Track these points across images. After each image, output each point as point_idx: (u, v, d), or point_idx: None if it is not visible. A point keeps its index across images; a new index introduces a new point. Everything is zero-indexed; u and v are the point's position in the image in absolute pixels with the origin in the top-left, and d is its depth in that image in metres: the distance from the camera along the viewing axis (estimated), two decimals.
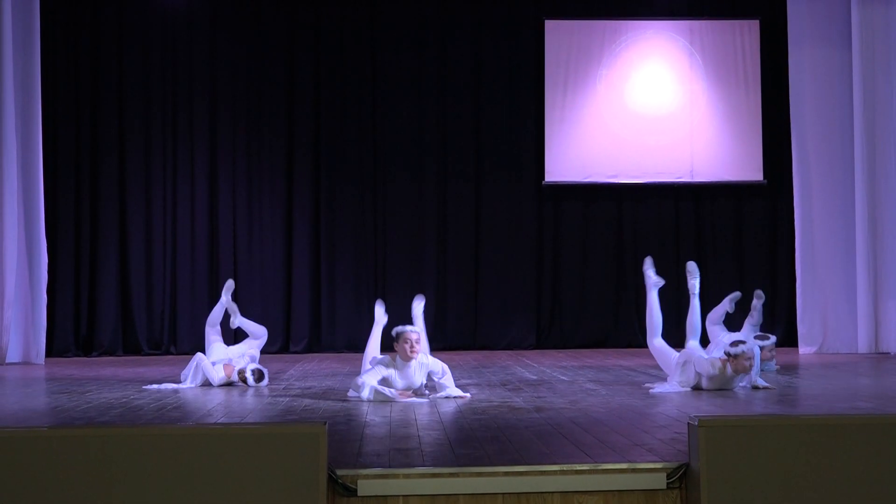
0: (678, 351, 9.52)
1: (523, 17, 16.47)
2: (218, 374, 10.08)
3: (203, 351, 10.44)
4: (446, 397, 8.83)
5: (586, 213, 16.61)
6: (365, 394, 8.63)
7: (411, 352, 8.80)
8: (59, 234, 15.75)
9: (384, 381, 8.78)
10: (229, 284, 10.93)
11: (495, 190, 16.47)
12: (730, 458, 5.16)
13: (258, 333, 10.86)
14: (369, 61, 16.37)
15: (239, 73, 16.21)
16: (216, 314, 10.71)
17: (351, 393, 8.95)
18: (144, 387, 10.15)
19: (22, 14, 14.35)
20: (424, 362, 8.95)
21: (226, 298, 10.71)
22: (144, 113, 16.06)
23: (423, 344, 9.10)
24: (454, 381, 9.16)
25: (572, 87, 16.29)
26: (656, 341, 9.75)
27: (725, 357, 9.07)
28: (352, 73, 16.33)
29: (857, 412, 7.49)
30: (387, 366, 8.83)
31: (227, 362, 10.24)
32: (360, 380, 8.79)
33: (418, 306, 9.99)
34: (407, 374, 8.87)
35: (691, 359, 9.20)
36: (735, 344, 9.12)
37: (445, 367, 9.09)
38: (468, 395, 9.05)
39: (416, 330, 8.98)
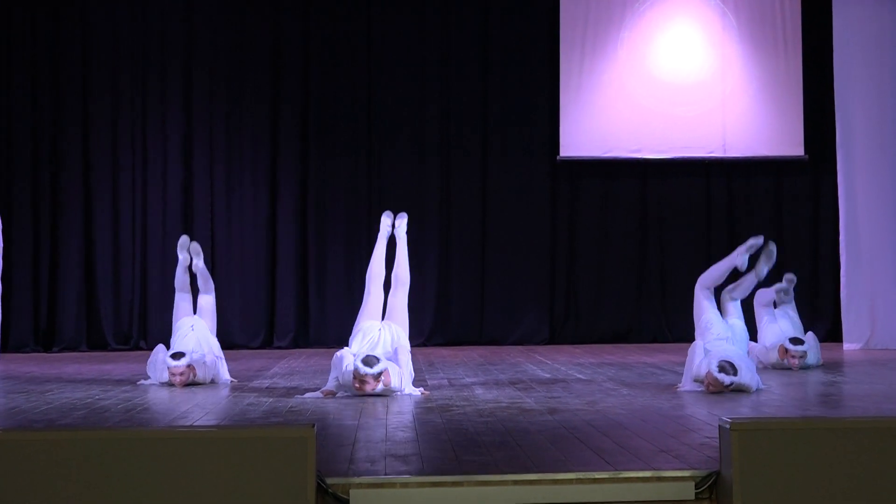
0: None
1: None
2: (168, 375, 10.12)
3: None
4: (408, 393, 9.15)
5: (606, 193, 16.60)
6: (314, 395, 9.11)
7: (358, 389, 8.87)
8: (14, 217, 15.71)
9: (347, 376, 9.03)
10: (183, 241, 10.99)
11: (504, 166, 16.46)
12: (765, 464, 5.15)
13: (207, 288, 10.82)
14: (364, 20, 16.34)
15: (218, 32, 16.18)
16: (181, 278, 10.81)
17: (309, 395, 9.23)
18: (139, 382, 10.29)
19: None
20: (393, 328, 9.40)
21: (183, 257, 10.80)
22: (111, 79, 16.04)
23: (404, 366, 9.28)
24: (413, 377, 9.49)
25: (590, 52, 16.25)
26: (704, 292, 9.83)
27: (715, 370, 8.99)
28: (345, 34, 16.31)
29: None
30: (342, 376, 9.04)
31: (186, 363, 10.12)
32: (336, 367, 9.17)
33: (400, 225, 10.68)
34: (374, 337, 9.37)
35: (690, 356, 9.38)
36: (722, 368, 8.91)
37: (409, 357, 9.36)
38: (426, 391, 9.30)
39: (371, 373, 8.81)
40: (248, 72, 16.23)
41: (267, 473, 5.04)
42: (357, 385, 8.84)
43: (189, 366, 10.01)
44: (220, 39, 16.19)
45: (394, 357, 9.29)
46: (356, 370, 8.85)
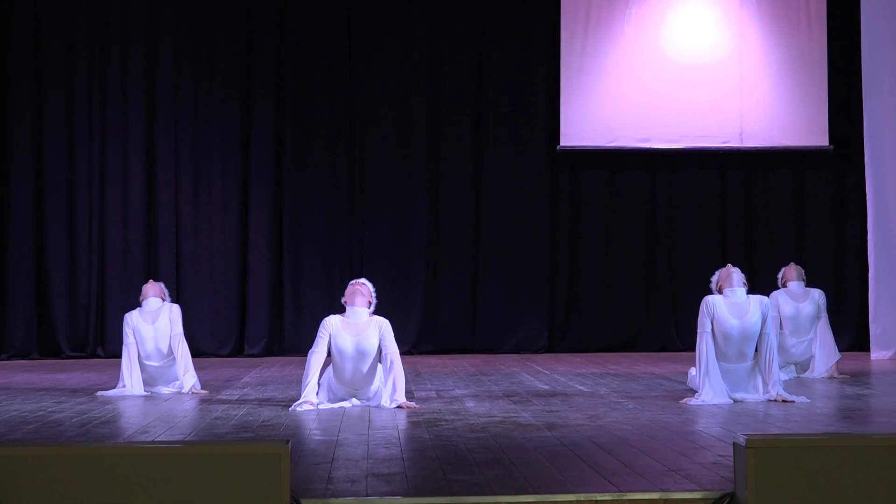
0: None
1: None
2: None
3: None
4: (396, 406, 9.17)
5: (611, 186, 16.62)
6: (303, 407, 9.10)
7: (352, 295, 9.49)
8: None
9: (333, 341, 9.38)
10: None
11: (499, 156, 16.47)
12: (784, 485, 5.17)
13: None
14: None
15: (184, 10, 16.15)
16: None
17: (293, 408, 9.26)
18: (98, 393, 10.30)
19: None
20: (380, 322, 9.45)
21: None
22: (67, 61, 16.03)
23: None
24: (406, 383, 9.52)
25: (594, 30, 16.27)
26: None
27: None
28: (324, 8, 16.27)
29: None
30: (331, 326, 9.40)
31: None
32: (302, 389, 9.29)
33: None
34: (357, 326, 9.36)
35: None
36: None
37: (398, 358, 9.38)
38: (414, 404, 9.31)
39: (366, 282, 9.69)
40: (217, 53, 16.21)
41: (236, 494, 5.04)
42: (349, 291, 9.55)
43: (164, 294, 10.91)
44: (186, 18, 16.16)
45: (385, 366, 9.36)
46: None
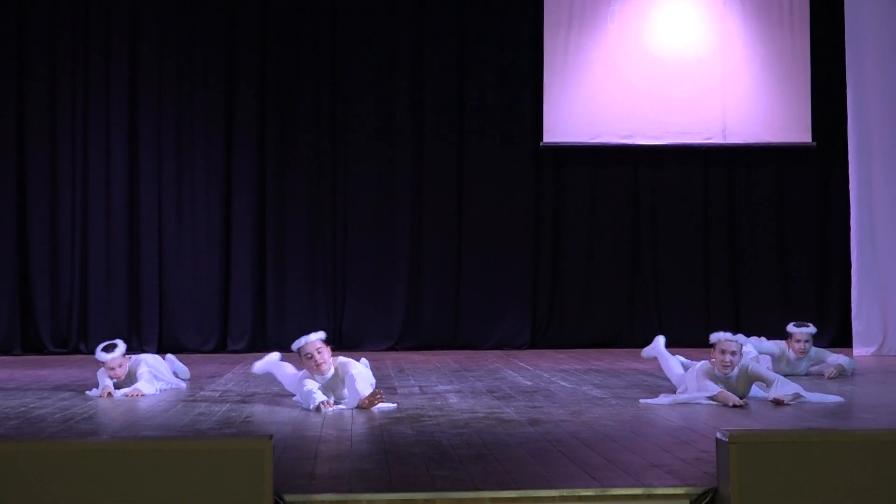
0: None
1: None
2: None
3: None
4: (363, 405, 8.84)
5: (594, 182, 16.62)
6: (314, 403, 8.77)
7: (317, 367, 8.92)
8: None
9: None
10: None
11: (482, 153, 16.46)
12: (766, 481, 5.18)
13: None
14: None
15: (166, 5, 16.11)
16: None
17: (297, 399, 9.20)
18: (88, 392, 10.16)
19: None
20: (349, 371, 9.01)
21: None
22: (49, 52, 15.97)
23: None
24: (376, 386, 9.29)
25: (577, 27, 16.27)
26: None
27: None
28: (308, 5, 16.25)
29: None
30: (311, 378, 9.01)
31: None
32: (305, 388, 8.93)
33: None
34: (330, 386, 9.01)
35: (693, 368, 9.46)
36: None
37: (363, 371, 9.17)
38: (392, 404, 9.07)
39: (317, 337, 9.02)
40: (200, 51, 16.16)
41: (219, 489, 5.04)
42: (313, 364, 8.86)
43: (125, 355, 10.10)
44: (169, 17, 16.09)
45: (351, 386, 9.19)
46: (302, 347, 8.87)
